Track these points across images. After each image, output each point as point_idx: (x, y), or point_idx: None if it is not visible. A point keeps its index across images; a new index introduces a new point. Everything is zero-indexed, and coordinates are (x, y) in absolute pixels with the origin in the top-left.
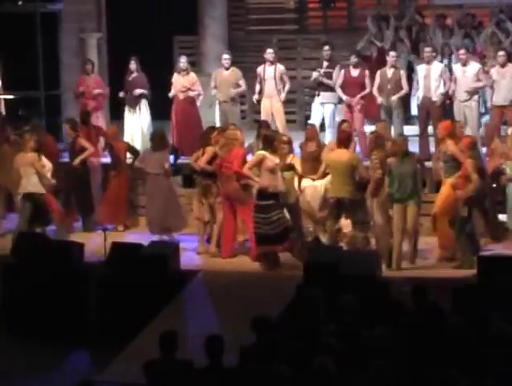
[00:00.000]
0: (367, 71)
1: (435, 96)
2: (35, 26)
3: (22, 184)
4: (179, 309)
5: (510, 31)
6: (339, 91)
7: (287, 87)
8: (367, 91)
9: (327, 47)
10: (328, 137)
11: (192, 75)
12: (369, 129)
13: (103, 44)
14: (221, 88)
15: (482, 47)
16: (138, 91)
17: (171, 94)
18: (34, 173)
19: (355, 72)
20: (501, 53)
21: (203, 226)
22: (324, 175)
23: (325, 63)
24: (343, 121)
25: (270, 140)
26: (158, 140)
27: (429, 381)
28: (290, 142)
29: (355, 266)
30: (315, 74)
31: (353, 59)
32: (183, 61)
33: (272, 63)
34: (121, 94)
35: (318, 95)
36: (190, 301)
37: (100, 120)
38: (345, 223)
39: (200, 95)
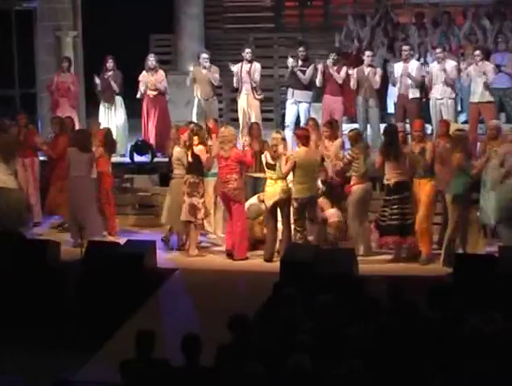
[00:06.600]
0: (344, 67)
1: (412, 93)
2: (10, 24)
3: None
4: (155, 308)
5: (487, 29)
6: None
7: (256, 84)
8: (340, 76)
9: (302, 48)
10: None
11: (161, 72)
12: (347, 126)
13: (79, 42)
14: (200, 86)
15: (462, 43)
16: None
17: (139, 94)
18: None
19: (332, 70)
20: (476, 53)
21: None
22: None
23: (300, 62)
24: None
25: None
26: (87, 140)
27: (405, 379)
28: (284, 140)
29: (331, 264)
30: (290, 61)
31: (334, 57)
32: (151, 59)
33: (249, 62)
34: (97, 80)
35: (292, 94)
36: (166, 300)
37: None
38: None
39: (166, 93)
